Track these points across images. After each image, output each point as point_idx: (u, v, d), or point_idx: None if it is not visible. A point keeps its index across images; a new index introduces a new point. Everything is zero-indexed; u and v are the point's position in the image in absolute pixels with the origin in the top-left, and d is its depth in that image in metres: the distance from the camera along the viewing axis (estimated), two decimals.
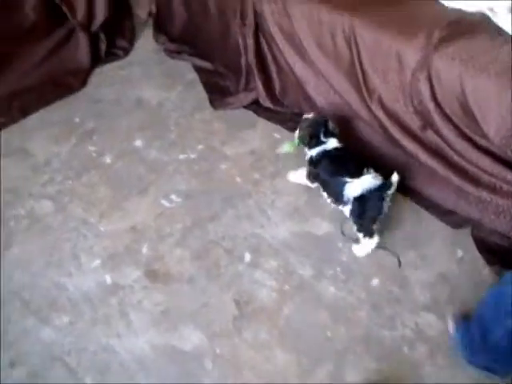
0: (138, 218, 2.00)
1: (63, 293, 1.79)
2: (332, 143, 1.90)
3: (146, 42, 2.92)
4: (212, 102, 2.49)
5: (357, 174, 1.76)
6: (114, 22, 2.84)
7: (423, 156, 1.91)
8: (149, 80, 2.67)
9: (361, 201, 1.75)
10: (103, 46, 2.84)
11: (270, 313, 1.74)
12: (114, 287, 1.80)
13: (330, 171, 1.87)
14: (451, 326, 1.68)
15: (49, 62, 2.71)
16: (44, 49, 2.69)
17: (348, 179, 1.77)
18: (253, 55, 2.26)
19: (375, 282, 1.83)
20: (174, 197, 2.07)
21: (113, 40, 2.89)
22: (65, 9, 2.62)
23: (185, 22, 2.69)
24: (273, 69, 2.30)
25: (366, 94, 1.95)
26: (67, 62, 2.74)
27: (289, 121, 2.37)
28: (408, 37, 1.81)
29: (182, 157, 2.23)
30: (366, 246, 1.86)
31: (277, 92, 2.37)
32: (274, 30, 2.16)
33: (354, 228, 1.85)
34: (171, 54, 2.82)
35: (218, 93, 2.54)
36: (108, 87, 2.64)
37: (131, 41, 2.95)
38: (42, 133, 2.39)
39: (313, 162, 1.93)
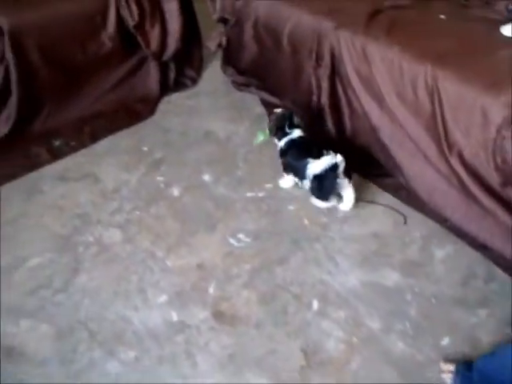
0: (206, 256, 1.99)
1: (129, 326, 1.79)
2: (296, 133, 2.18)
3: (214, 73, 2.95)
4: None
5: (317, 156, 2.04)
6: (183, 51, 2.88)
7: (501, 213, 1.86)
8: (216, 112, 2.69)
9: (319, 178, 2.03)
10: (172, 75, 2.89)
11: (337, 365, 1.70)
12: (181, 325, 1.79)
13: (295, 156, 2.13)
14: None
15: (120, 89, 2.77)
16: (116, 76, 2.75)
17: (310, 160, 2.03)
18: (326, 97, 2.26)
19: (446, 340, 1.78)
20: (242, 236, 2.06)
21: (181, 69, 2.94)
22: (140, 39, 2.68)
23: (255, 56, 2.72)
24: (345, 111, 2.29)
25: (445, 147, 1.92)
26: (137, 89, 2.80)
27: (359, 163, 2.34)
28: (495, 91, 1.78)
29: (249, 195, 2.22)
30: (320, 203, 2.13)
31: (347, 134, 2.35)
32: (352, 75, 2.15)
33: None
34: (239, 86, 2.85)
35: None
36: (176, 117, 2.67)
37: (199, 71, 3.00)
38: (111, 159, 2.42)
39: (282, 152, 2.19)
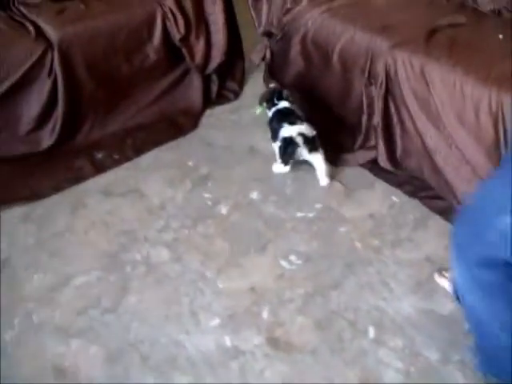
0: (257, 278, 1.95)
1: (182, 351, 1.75)
2: (283, 104, 2.43)
3: (256, 87, 2.91)
4: (327, 158, 2.43)
5: (291, 123, 2.29)
6: (226, 64, 2.84)
7: None
8: (259, 127, 2.65)
9: (284, 142, 2.27)
10: (215, 88, 2.86)
11: None
12: (235, 351, 1.74)
13: (277, 120, 2.37)
14: None
15: (162, 101, 2.75)
16: (159, 88, 2.73)
17: (284, 125, 2.27)
18: (379, 117, 2.21)
19: None
20: (293, 258, 2.01)
21: (223, 82, 2.91)
22: (185, 51, 2.65)
23: (300, 71, 2.67)
24: (397, 131, 2.24)
25: None
26: (180, 102, 2.77)
27: (407, 184, 2.30)
28: None
29: (299, 215, 2.18)
30: (280, 167, 2.36)
31: (398, 154, 2.30)
32: (407, 95, 2.10)
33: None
34: None
35: (333, 146, 2.49)
36: (219, 131, 2.64)
37: (241, 84, 2.96)
38: (156, 174, 2.39)
39: (270, 120, 2.44)
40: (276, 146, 2.34)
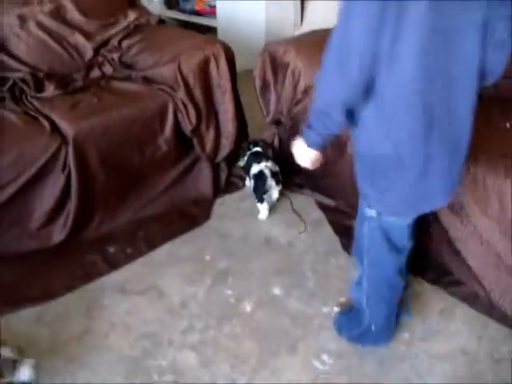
0: (292, 381, 1.88)
1: None
2: (255, 148, 2.74)
3: None
4: (345, 246, 2.43)
5: (259, 162, 2.63)
6: (233, 150, 2.86)
7: None
8: (273, 216, 2.65)
9: (255, 178, 2.62)
10: (223, 176, 2.87)
11: None
12: None
13: (249, 160, 2.69)
14: None
15: (173, 191, 2.73)
16: (169, 178, 2.71)
17: (254, 164, 2.63)
18: None
19: None
20: (325, 357, 1.96)
21: (231, 169, 2.91)
22: (195, 142, 2.67)
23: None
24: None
25: None
26: (190, 191, 2.76)
27: (429, 270, 2.30)
28: None
29: (325, 310, 2.14)
30: (262, 209, 2.64)
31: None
32: None
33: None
34: (292, 187, 2.82)
35: (347, 235, 2.49)
36: (233, 221, 2.62)
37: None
38: (173, 270, 2.34)
39: (245, 164, 2.74)
40: (250, 184, 2.71)
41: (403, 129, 1.40)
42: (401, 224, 1.70)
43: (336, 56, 1.32)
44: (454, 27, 1.27)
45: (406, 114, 1.36)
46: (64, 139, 2.32)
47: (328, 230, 2.54)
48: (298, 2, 3.71)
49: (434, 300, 2.19)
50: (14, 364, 1.70)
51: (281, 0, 3.89)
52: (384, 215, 1.65)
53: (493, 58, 1.39)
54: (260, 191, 2.59)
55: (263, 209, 2.63)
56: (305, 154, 1.63)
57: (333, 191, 2.68)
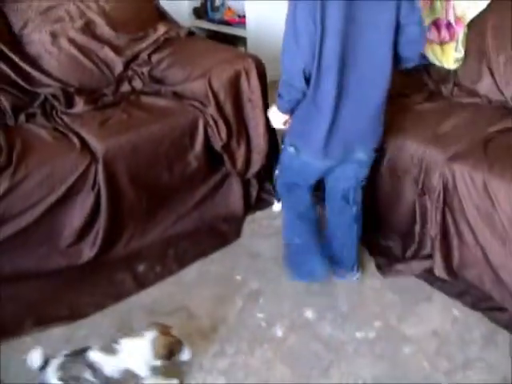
0: None
1: None
2: None
3: None
4: (380, 268, 2.36)
5: None
6: (264, 166, 2.80)
7: None
8: None
9: None
10: (254, 192, 2.82)
11: None
12: None
13: None
14: None
15: (203, 208, 2.69)
16: (199, 194, 2.67)
17: None
18: (437, 230, 2.14)
19: None
20: (360, 383, 1.89)
21: (262, 185, 2.86)
22: (226, 157, 2.62)
23: None
24: (455, 242, 2.16)
25: None
26: (220, 207, 2.72)
27: (466, 294, 2.21)
28: None
29: (359, 335, 2.07)
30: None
31: (454, 264, 2.22)
32: (468, 210, 2.04)
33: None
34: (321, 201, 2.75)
35: (383, 255, 2.42)
36: (264, 239, 2.56)
37: None
38: (202, 290, 2.29)
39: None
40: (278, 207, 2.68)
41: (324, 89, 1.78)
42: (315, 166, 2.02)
43: (291, 37, 1.71)
44: (366, 21, 1.71)
45: (328, 77, 1.75)
46: (94, 157, 2.30)
47: (361, 248, 2.45)
48: None
49: (474, 326, 2.10)
50: None
51: None
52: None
53: (409, 48, 1.85)
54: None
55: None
56: (278, 118, 1.99)
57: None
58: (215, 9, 4.43)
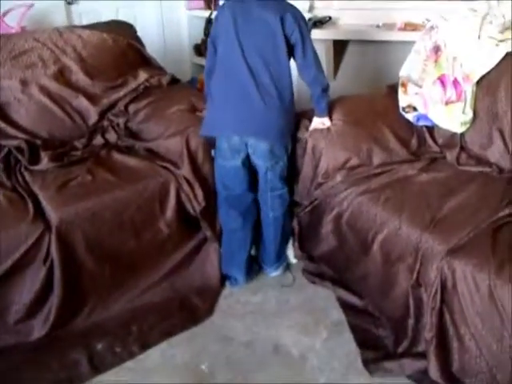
0: None
1: None
2: None
3: None
4: (366, 364, 2.04)
5: None
6: None
7: None
8: (286, 315, 2.29)
9: None
10: None
11: None
12: None
13: None
14: None
15: (175, 277, 2.42)
16: (171, 262, 2.41)
17: None
18: (433, 333, 1.82)
19: None
20: None
21: None
22: (203, 223, 2.36)
23: (332, 249, 2.34)
24: (454, 345, 1.84)
25: None
26: (195, 278, 2.45)
27: None
28: None
29: None
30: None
31: (454, 369, 1.89)
32: (470, 315, 1.71)
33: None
34: (311, 276, 2.47)
35: (372, 347, 2.10)
36: (239, 320, 2.27)
37: None
38: (163, 378, 2.00)
39: None
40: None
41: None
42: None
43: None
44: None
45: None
46: (48, 226, 2.06)
47: (348, 338, 2.15)
48: (331, 57, 3.39)
49: None
50: None
51: None
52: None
53: (304, 72, 2.21)
54: None
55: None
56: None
57: (359, 290, 2.30)
58: None
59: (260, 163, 2.22)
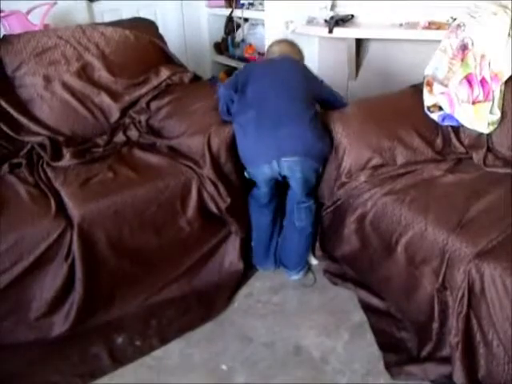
0: None
1: None
2: None
3: None
4: (388, 367, 2.01)
5: None
6: None
7: None
8: (307, 316, 2.27)
9: None
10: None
11: None
12: None
13: None
14: None
15: (194, 274, 2.42)
16: (191, 260, 2.40)
17: None
18: (459, 338, 1.79)
19: None
20: None
21: None
22: (229, 219, 2.36)
23: (355, 251, 2.30)
24: (481, 351, 1.80)
25: None
26: (214, 274, 2.45)
27: None
28: None
29: None
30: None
31: (480, 375, 1.85)
32: (498, 320, 1.67)
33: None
34: (333, 277, 2.44)
35: (394, 350, 2.07)
36: (259, 320, 2.25)
37: None
38: (183, 378, 1.99)
39: None
40: None
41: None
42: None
43: None
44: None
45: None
46: (70, 223, 2.05)
47: (370, 340, 2.12)
48: (353, 55, 3.35)
49: None
50: None
51: (334, 53, 3.57)
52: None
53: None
54: None
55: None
56: None
57: (382, 291, 2.26)
58: (236, 45, 4.20)
59: (293, 184, 2.25)
